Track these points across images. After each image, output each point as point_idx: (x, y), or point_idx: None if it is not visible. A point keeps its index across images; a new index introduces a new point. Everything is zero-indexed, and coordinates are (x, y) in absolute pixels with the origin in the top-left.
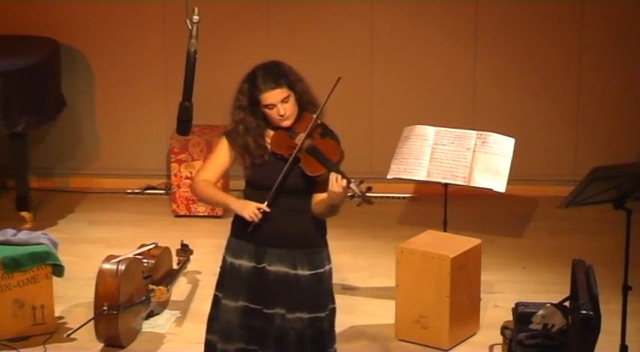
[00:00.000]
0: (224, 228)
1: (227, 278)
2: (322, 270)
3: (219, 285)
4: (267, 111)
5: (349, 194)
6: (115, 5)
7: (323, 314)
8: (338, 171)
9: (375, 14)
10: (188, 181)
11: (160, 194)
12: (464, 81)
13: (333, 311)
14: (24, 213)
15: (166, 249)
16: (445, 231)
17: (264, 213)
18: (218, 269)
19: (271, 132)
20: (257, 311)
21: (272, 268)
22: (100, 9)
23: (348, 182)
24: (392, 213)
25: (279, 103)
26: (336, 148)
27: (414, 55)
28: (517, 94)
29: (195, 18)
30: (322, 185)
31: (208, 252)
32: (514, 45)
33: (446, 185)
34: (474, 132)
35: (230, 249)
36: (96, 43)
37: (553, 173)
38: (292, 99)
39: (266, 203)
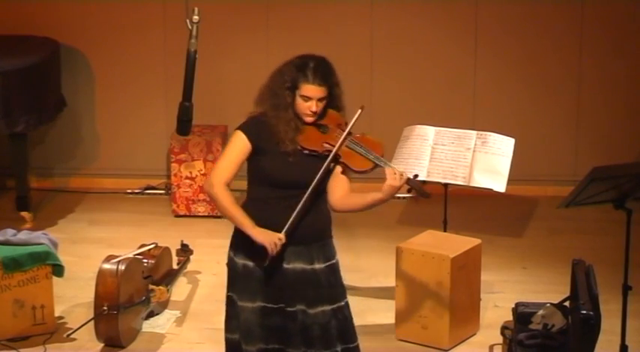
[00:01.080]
0: (224, 227)
1: (241, 280)
2: (335, 260)
3: (232, 287)
4: (299, 100)
5: (407, 188)
6: (115, 5)
7: (343, 303)
8: (389, 165)
9: (375, 14)
10: (188, 181)
11: (160, 194)
12: (464, 81)
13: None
14: (24, 213)
15: (166, 249)
16: (445, 231)
17: (282, 244)
18: (218, 270)
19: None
20: (277, 310)
21: (290, 266)
22: (100, 9)
23: (407, 175)
24: (392, 213)
25: (316, 100)
26: (377, 142)
27: (414, 55)
28: (517, 94)
29: (195, 18)
30: (344, 180)
31: (208, 252)
32: (514, 45)
33: (446, 185)
34: (474, 132)
35: (241, 250)
36: (96, 43)
37: (553, 173)
38: (325, 102)
39: (283, 232)
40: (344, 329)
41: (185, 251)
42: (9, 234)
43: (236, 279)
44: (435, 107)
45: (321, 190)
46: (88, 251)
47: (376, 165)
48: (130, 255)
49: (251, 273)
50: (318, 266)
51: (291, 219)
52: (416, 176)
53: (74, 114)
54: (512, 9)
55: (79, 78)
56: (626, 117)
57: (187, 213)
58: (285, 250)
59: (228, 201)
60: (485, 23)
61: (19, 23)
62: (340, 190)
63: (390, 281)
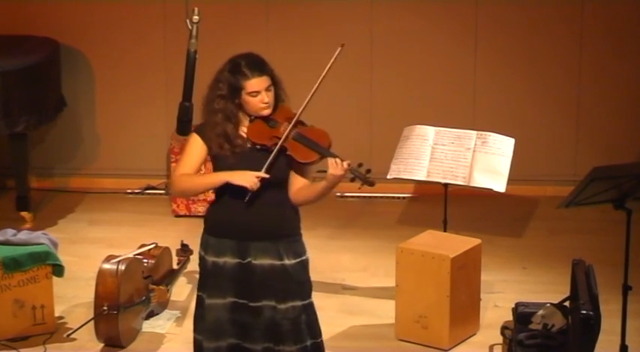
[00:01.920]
0: None
1: (211, 277)
2: (305, 257)
3: (203, 286)
4: (249, 99)
5: (350, 176)
6: (115, 5)
7: (311, 300)
8: (333, 155)
9: (375, 14)
10: None
11: (160, 194)
12: (464, 81)
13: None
14: (24, 213)
15: (166, 249)
16: (445, 231)
17: (262, 179)
18: None
19: (246, 124)
20: (245, 305)
21: (257, 261)
22: (101, 9)
23: (349, 164)
24: (392, 213)
25: (264, 91)
26: (323, 133)
27: (414, 54)
28: (517, 94)
29: (195, 18)
30: (303, 173)
31: None
32: (514, 45)
33: (446, 185)
34: (474, 132)
35: (210, 248)
36: (96, 43)
37: (553, 173)
38: (272, 89)
39: (264, 170)
40: (312, 325)
41: (185, 251)
42: (9, 234)
43: (206, 277)
44: (435, 107)
45: (279, 185)
46: (88, 251)
47: (322, 156)
48: (130, 255)
49: (220, 270)
50: (288, 262)
51: (268, 162)
52: (360, 165)
53: (74, 114)
54: (512, 9)
55: (79, 78)
56: (626, 117)
57: (187, 213)
58: (251, 246)
59: (189, 178)
60: (485, 23)
61: (19, 23)
62: (296, 184)
63: (390, 281)
